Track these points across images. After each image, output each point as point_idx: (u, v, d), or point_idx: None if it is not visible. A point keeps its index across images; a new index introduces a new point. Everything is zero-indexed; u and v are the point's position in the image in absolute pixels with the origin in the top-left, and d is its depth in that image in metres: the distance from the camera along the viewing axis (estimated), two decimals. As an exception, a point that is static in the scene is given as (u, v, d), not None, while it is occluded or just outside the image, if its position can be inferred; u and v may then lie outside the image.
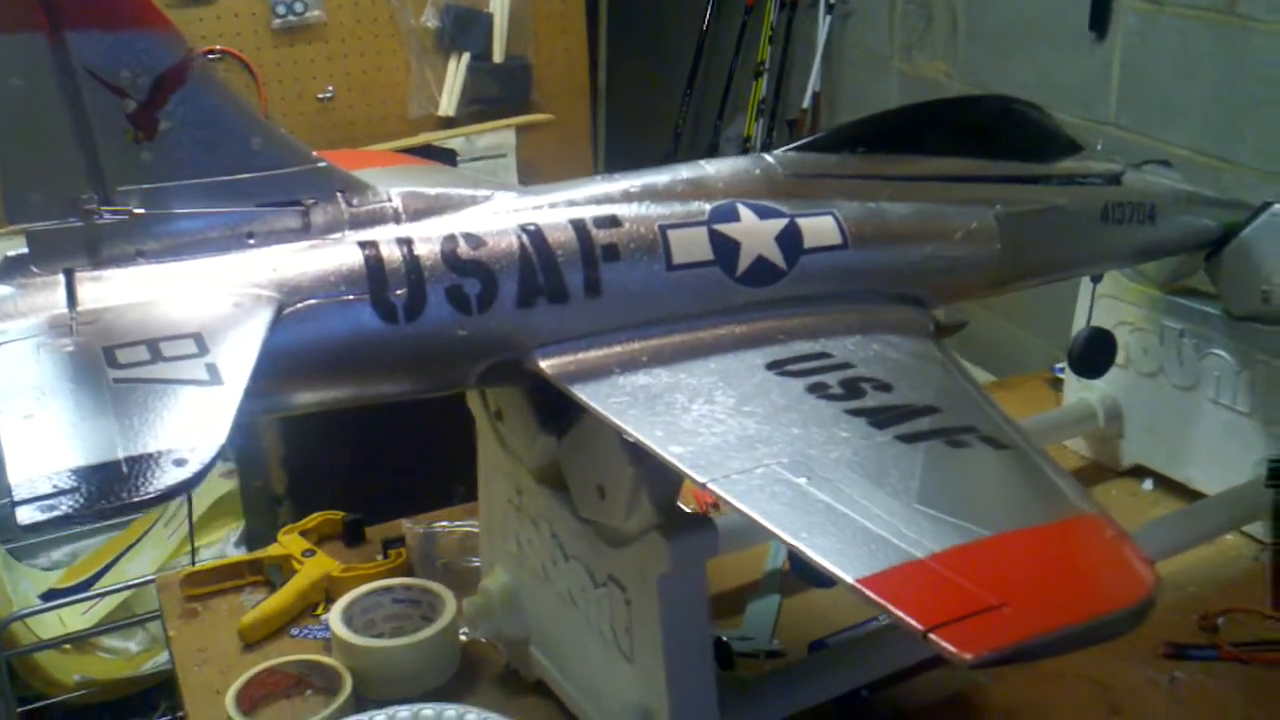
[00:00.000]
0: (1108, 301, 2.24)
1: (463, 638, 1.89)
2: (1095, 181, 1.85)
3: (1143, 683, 1.80)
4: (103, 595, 3.46)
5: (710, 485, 1.17)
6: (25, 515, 0.99)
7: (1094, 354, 2.04)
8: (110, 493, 1.02)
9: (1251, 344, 2.05)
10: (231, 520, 3.62)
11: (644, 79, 5.44)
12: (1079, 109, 3.24)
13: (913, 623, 0.94)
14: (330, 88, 3.82)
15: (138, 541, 3.72)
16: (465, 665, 1.87)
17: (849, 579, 1.00)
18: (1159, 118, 3.03)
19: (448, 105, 3.93)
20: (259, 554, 2.12)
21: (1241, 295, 2.02)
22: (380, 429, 2.96)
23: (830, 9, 4.28)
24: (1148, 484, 2.30)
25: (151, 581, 3.15)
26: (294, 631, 1.97)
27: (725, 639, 1.85)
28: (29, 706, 3.35)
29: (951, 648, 0.91)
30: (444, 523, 2.17)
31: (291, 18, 3.71)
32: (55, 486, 1.01)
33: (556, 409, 1.53)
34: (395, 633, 1.87)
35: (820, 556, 1.03)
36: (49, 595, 3.56)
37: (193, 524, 3.42)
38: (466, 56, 3.93)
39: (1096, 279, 2.09)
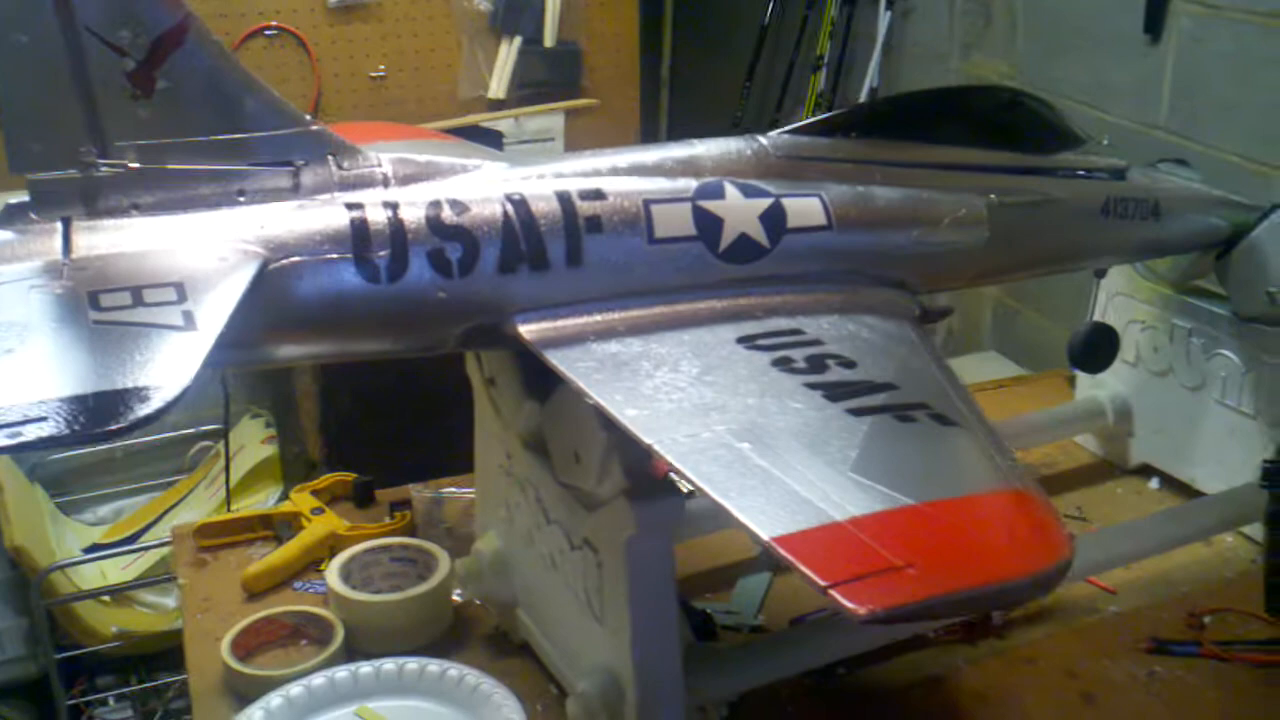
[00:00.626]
0: (1121, 299, 2.25)
1: (456, 598, 1.94)
2: (1098, 176, 1.86)
3: (1121, 675, 1.81)
4: (141, 550, 3.57)
5: (655, 446, 1.20)
6: (-5, 440, 1.05)
7: (1094, 349, 2.05)
8: (77, 423, 1.08)
9: (1257, 345, 2.05)
10: (271, 484, 3.71)
11: (706, 70, 5.46)
12: (1131, 111, 3.22)
13: (815, 578, 0.97)
14: (383, 67, 3.89)
15: (180, 501, 3.83)
16: (457, 625, 1.93)
17: (764, 536, 1.04)
18: (1211, 122, 3.00)
19: (498, 88, 3.98)
20: (269, 510, 2.20)
21: (1249, 296, 2.02)
22: (416, 398, 3.03)
23: (890, 5, 4.28)
24: (1154, 483, 2.30)
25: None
26: (296, 585, 2.04)
27: (708, 611, 1.88)
28: (66, 654, 3.46)
29: (846, 603, 0.95)
30: (450, 489, 2.23)
31: (348, -3, 3.79)
32: (24, 415, 1.07)
33: (542, 375, 1.57)
34: (391, 590, 1.92)
35: (743, 515, 1.07)
36: (92, 549, 3.68)
37: (229, 486, 3.51)
38: (518, 40, 3.99)
39: (1101, 273, 2.10)
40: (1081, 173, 1.84)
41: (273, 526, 2.16)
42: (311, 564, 2.07)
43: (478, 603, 1.93)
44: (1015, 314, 3.87)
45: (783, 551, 1.01)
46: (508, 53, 3.99)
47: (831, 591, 0.96)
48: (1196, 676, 1.80)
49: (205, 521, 2.18)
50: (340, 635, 1.83)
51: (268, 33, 3.74)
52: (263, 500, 3.74)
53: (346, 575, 1.92)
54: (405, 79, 3.93)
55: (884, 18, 4.29)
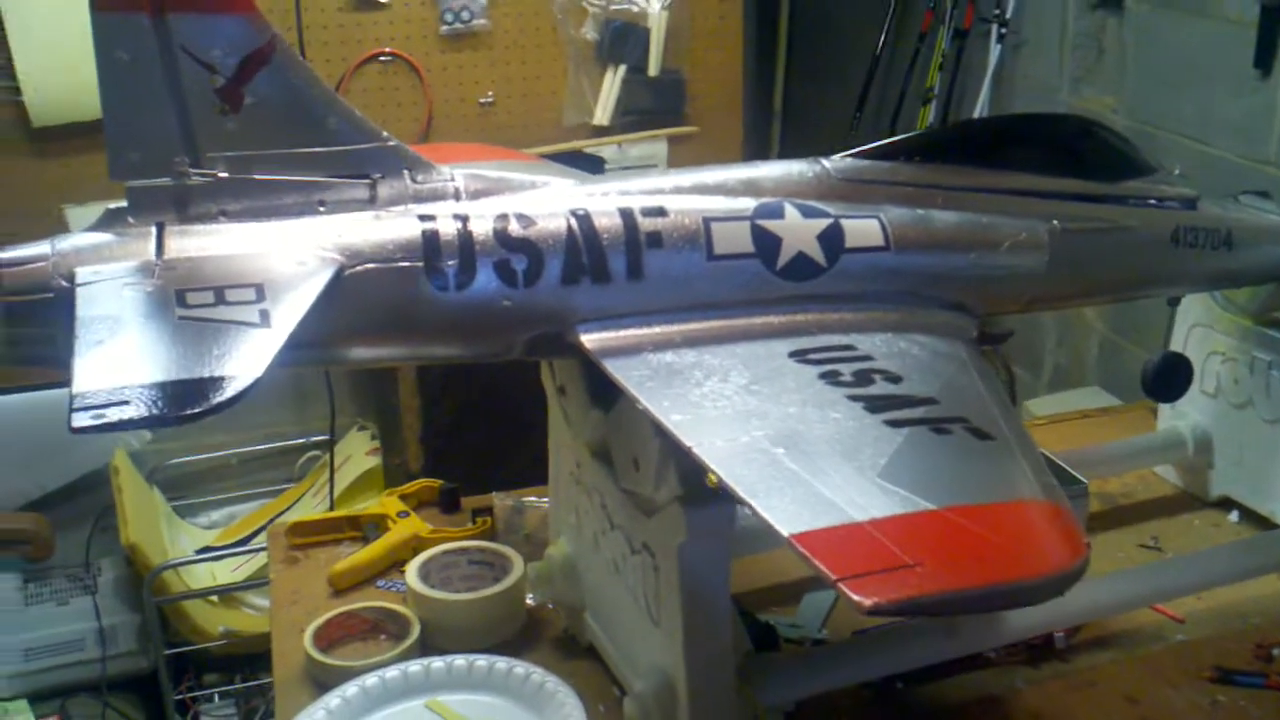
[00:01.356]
0: (1200, 330, 2.24)
1: (530, 601, 2.01)
2: (1168, 205, 1.87)
3: (1182, 703, 1.80)
4: (250, 553, 3.72)
5: (694, 449, 1.26)
6: (78, 420, 1.15)
7: (1167, 377, 2.05)
8: (155, 407, 1.17)
9: (1337, 379, 2.03)
10: (374, 493, 3.83)
11: (818, 99, 5.51)
12: (1241, 146, 3.20)
13: (826, 571, 1.02)
14: (491, 93, 4.03)
15: (288, 509, 3.98)
16: (529, 626, 2.00)
17: (784, 532, 1.09)
18: (1318, 160, 2.98)
19: (602, 115, 4.09)
20: (358, 511, 2.29)
21: (1328, 328, 2.01)
22: (509, 412, 3.12)
23: (1001, 38, 4.28)
24: (1233, 516, 2.28)
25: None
26: (380, 583, 2.13)
27: (770, 623, 1.93)
28: (176, 650, 3.62)
29: (853, 595, 0.99)
30: (531, 498, 2.30)
31: (459, 25, 3.92)
32: (108, 399, 1.17)
33: (606, 385, 1.64)
34: (467, 591, 2.00)
35: (766, 513, 1.12)
36: (204, 551, 3.84)
37: (333, 494, 3.63)
38: (623, 68, 4.09)
39: (1174, 302, 2.10)
40: (1151, 201, 1.86)
41: (360, 527, 2.25)
42: (395, 564, 2.15)
43: (550, 606, 2.00)
44: (1120, 349, 3.84)
45: (799, 547, 1.06)
46: (613, 80, 4.09)
47: (840, 584, 1.01)
48: (1261, 709, 1.79)
49: (298, 520, 2.28)
50: (416, 631, 1.91)
51: (382, 59, 3.89)
52: (364, 510, 3.87)
53: (425, 575, 2.00)
54: (513, 105, 4.05)
55: (995, 50, 4.29)
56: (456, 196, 1.52)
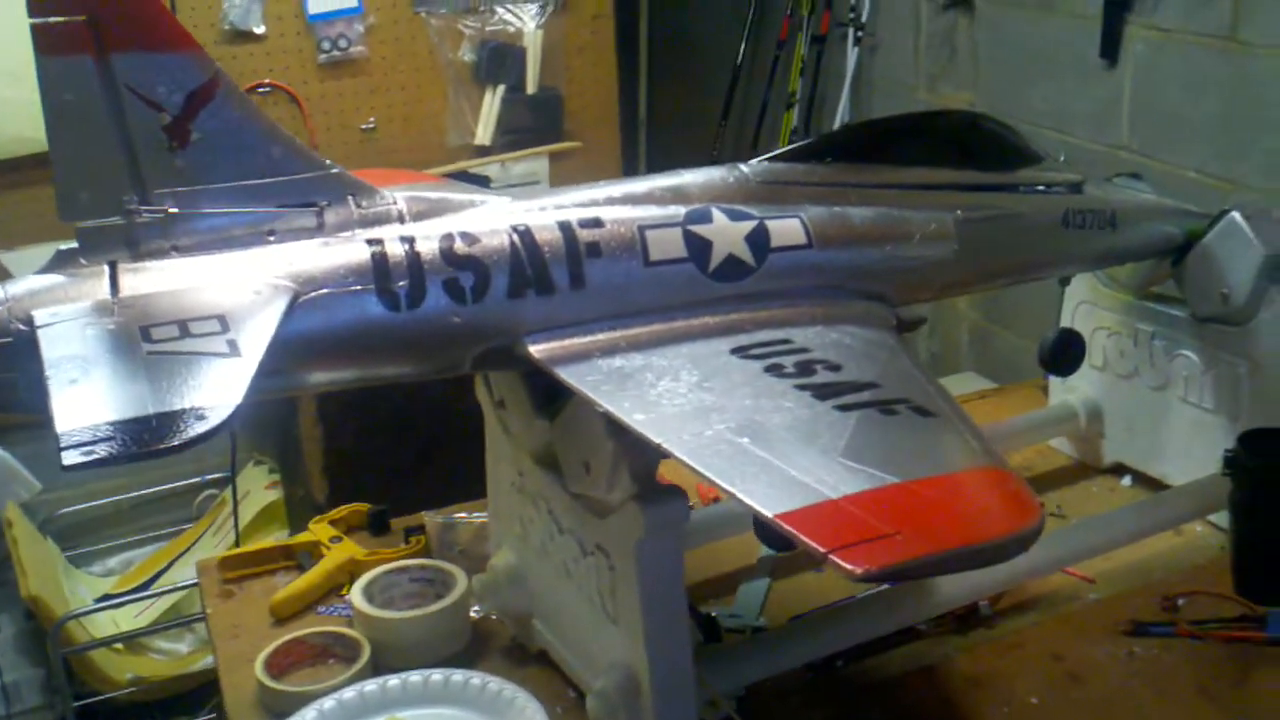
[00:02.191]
0: (1085, 307, 2.38)
1: (474, 614, 2.05)
2: (1057, 190, 1.99)
3: (1102, 656, 1.92)
4: (154, 596, 3.67)
5: (664, 445, 1.33)
6: (69, 458, 1.17)
7: (1062, 353, 2.19)
8: (141, 441, 1.20)
9: (1215, 345, 2.18)
10: (276, 528, 3.81)
11: (682, 109, 5.62)
12: (1093, 133, 3.36)
13: (816, 546, 1.10)
14: (372, 119, 4.05)
15: (187, 550, 3.93)
16: (475, 638, 2.03)
17: (768, 514, 1.16)
18: (1168, 141, 3.14)
19: (483, 135, 4.14)
20: (290, 540, 2.30)
21: (1204, 298, 2.15)
22: (413, 436, 3.15)
23: (858, 41, 4.42)
24: (1126, 480, 2.43)
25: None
26: (320, 609, 2.14)
27: (714, 614, 2.00)
28: (84, 702, 3.55)
29: (845, 564, 1.07)
30: (462, 514, 2.33)
31: (336, 53, 3.94)
32: (94, 435, 1.19)
33: (550, 394, 1.69)
34: (412, 608, 2.02)
35: (748, 498, 1.20)
36: (103, 599, 3.77)
37: (239, 530, 3.60)
38: (501, 88, 4.15)
39: (1064, 282, 2.23)
40: (1041, 188, 1.98)
41: (294, 556, 2.26)
42: (333, 589, 2.17)
43: (494, 617, 2.04)
44: (990, 334, 4.00)
45: (786, 526, 1.14)
46: (492, 101, 4.14)
47: (831, 556, 1.08)
48: (1173, 655, 1.92)
49: (229, 554, 2.28)
50: (367, 652, 1.93)
51: (261, 90, 3.89)
52: (269, 544, 3.84)
53: (369, 596, 2.02)
54: (395, 129, 4.08)
55: (852, 54, 4.44)
56: (400, 219, 1.56)
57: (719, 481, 1.23)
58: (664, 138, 5.62)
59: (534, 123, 4.24)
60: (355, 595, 2.02)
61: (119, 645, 3.64)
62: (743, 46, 5.11)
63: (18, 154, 3.48)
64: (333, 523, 2.32)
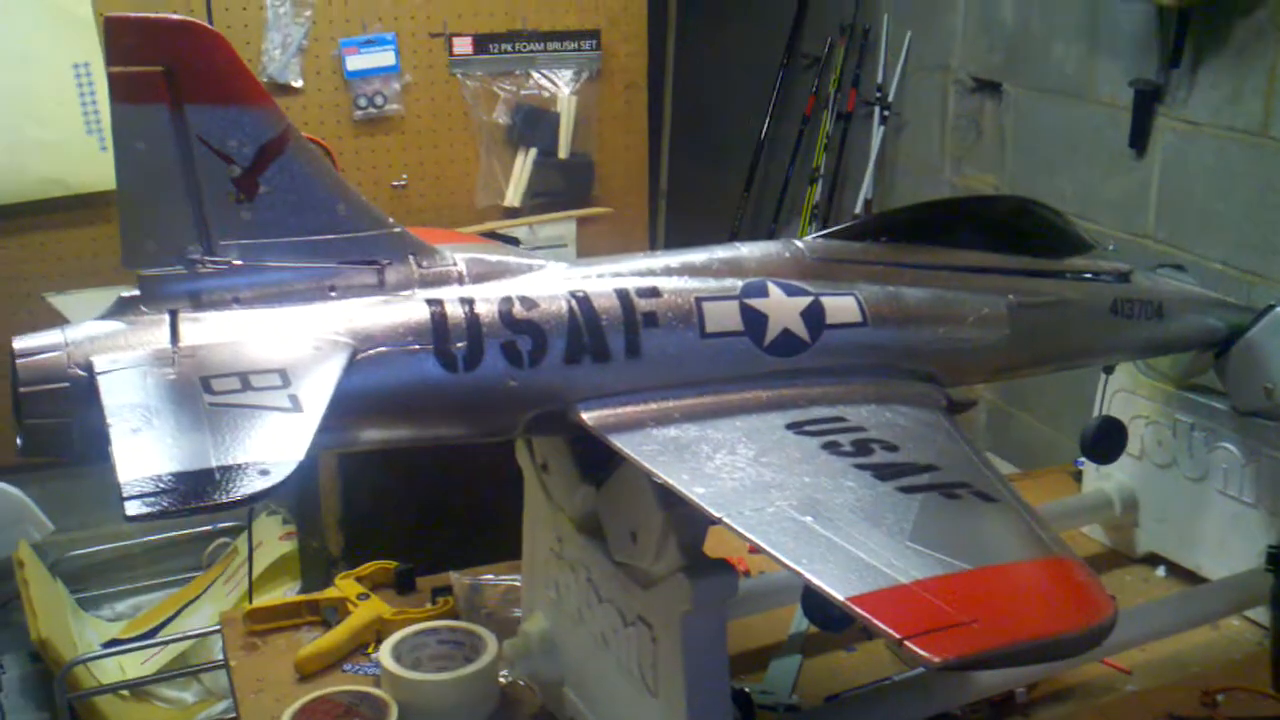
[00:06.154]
0: (1124, 396, 2.38)
1: (502, 680, 2.02)
2: (1105, 279, 1.99)
3: (1139, 749, 1.90)
4: (162, 644, 3.62)
5: (725, 520, 1.31)
6: (132, 508, 1.15)
7: (1105, 440, 2.17)
8: (204, 493, 1.18)
9: (1257, 438, 2.17)
10: (289, 579, 3.78)
11: (704, 181, 5.66)
12: (1120, 222, 3.37)
13: (891, 632, 1.08)
14: (404, 176, 4.07)
15: (198, 597, 3.89)
16: (504, 705, 2.01)
17: (840, 597, 1.14)
18: (1195, 232, 3.16)
19: (513, 196, 4.16)
20: (317, 595, 2.28)
21: (1247, 392, 2.14)
22: (434, 492, 3.12)
23: (884, 120, 4.45)
24: (1160, 571, 2.41)
25: (211, 633, 3.33)
26: (346, 667, 2.11)
27: (747, 690, 1.97)
28: (87, 749, 3.50)
29: (922, 652, 1.05)
30: (489, 576, 2.31)
31: (372, 110, 3.96)
32: (158, 486, 1.18)
33: (597, 461, 1.68)
34: (439, 670, 2.00)
35: (817, 579, 1.18)
36: (111, 644, 3.73)
37: (252, 579, 3.57)
38: (534, 152, 4.18)
39: (1109, 370, 2.23)
40: (1090, 275, 1.98)
41: (320, 611, 2.24)
42: (358, 647, 2.15)
43: (523, 683, 2.01)
44: (1009, 416, 3.99)
45: (860, 610, 1.12)
46: (524, 163, 4.17)
47: (908, 643, 1.07)
48: (1211, 751, 1.90)
49: (256, 606, 2.26)
50: (394, 713, 1.91)
51: (295, 143, 3.90)
52: (281, 595, 3.81)
53: (398, 655, 2.00)
54: (426, 188, 4.09)
55: (878, 132, 4.46)
56: (460, 280, 1.56)
57: (785, 560, 1.22)
58: (686, 208, 5.65)
59: (565, 187, 4.26)
60: (384, 655, 1.99)
61: (124, 692, 3.59)
62: (766, 121, 5.16)
63: (46, 195, 3.51)
64: (359, 579, 2.30)
